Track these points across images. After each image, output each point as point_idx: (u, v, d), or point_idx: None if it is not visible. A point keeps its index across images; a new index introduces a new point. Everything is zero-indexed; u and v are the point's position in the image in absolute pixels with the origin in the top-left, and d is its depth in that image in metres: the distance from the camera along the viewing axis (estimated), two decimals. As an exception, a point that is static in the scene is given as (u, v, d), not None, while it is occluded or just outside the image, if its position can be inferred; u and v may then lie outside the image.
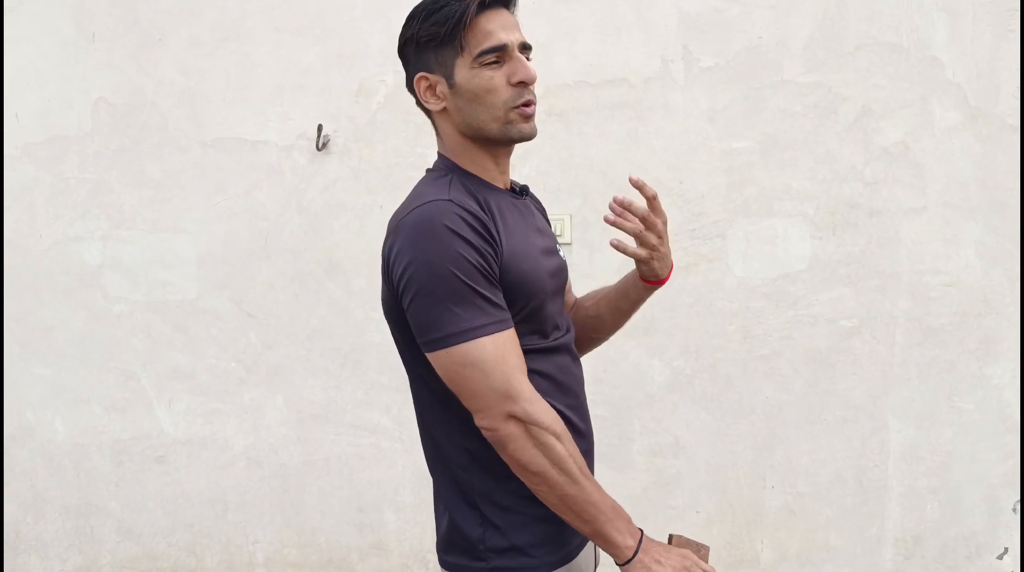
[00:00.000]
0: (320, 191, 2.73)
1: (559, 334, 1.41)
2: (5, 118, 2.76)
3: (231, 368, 2.79)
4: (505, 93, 1.30)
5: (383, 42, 2.69)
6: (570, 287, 1.68)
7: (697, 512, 2.79)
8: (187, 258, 2.77)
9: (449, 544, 1.37)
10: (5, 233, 2.79)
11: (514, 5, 1.33)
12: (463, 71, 1.29)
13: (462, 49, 1.28)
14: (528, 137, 1.36)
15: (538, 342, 1.34)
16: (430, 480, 1.48)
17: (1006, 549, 2.75)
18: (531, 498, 1.31)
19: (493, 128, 1.32)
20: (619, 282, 1.64)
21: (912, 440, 2.73)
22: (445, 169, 1.36)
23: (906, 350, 2.70)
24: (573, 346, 1.47)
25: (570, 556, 1.38)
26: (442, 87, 1.32)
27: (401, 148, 2.71)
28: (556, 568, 1.35)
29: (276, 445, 2.82)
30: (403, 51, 1.36)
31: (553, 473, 1.23)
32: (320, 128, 2.70)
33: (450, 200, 1.24)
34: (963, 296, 2.67)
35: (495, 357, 1.21)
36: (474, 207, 1.25)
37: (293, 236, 2.75)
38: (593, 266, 2.71)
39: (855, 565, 2.78)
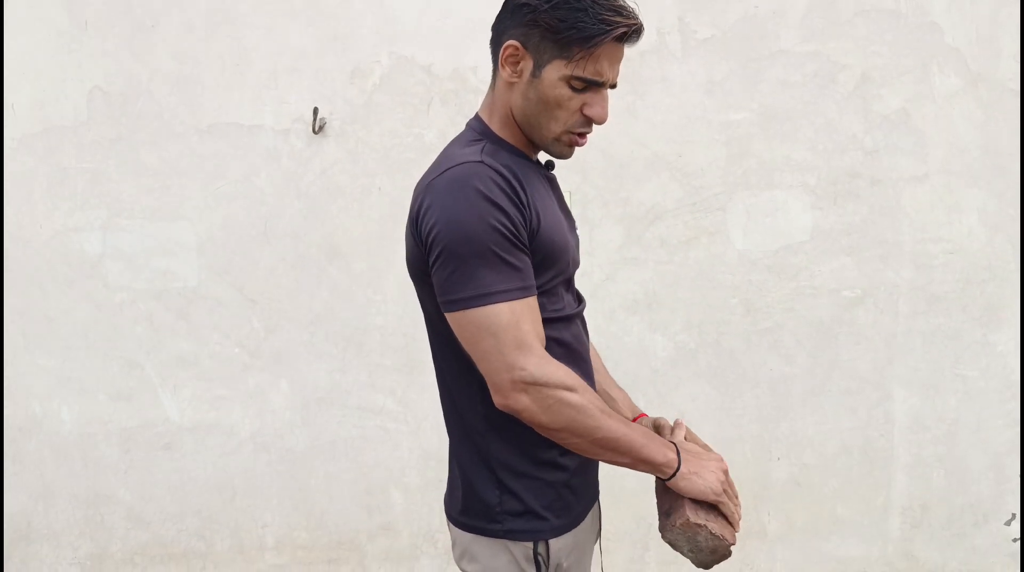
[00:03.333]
0: (318, 175, 2.72)
1: (577, 305, 1.44)
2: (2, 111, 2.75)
3: (234, 354, 2.80)
4: (572, 117, 1.32)
5: (377, 23, 2.67)
6: None
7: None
8: (187, 245, 2.76)
9: (465, 505, 1.40)
10: (5, 226, 2.79)
11: (637, 41, 1.31)
12: (552, 74, 1.28)
13: (568, 59, 1.26)
14: (563, 158, 1.40)
15: (560, 311, 1.37)
16: (436, 461, 1.49)
17: (1013, 515, 2.75)
18: (546, 464, 1.36)
19: (541, 135, 1.34)
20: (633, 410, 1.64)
21: (917, 409, 2.73)
22: (479, 134, 1.37)
23: (910, 319, 2.69)
24: (584, 316, 1.49)
25: (578, 520, 1.43)
26: (525, 68, 1.30)
27: (398, 129, 2.70)
28: (566, 531, 1.39)
29: (282, 430, 2.82)
30: (518, 6, 1.30)
31: (577, 425, 1.25)
32: (316, 111, 2.68)
33: (482, 162, 1.25)
34: (966, 263, 2.66)
35: (510, 322, 1.22)
36: (507, 172, 1.26)
37: (292, 221, 2.74)
38: (593, 243, 2.70)
39: (862, 535, 2.78)
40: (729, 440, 2.76)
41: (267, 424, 2.83)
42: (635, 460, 1.30)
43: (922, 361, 2.70)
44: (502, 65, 1.31)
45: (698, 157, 2.67)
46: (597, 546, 1.57)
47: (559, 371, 1.25)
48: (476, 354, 1.25)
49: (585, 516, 1.45)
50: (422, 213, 1.26)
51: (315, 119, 2.69)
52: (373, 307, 2.76)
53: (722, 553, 1.31)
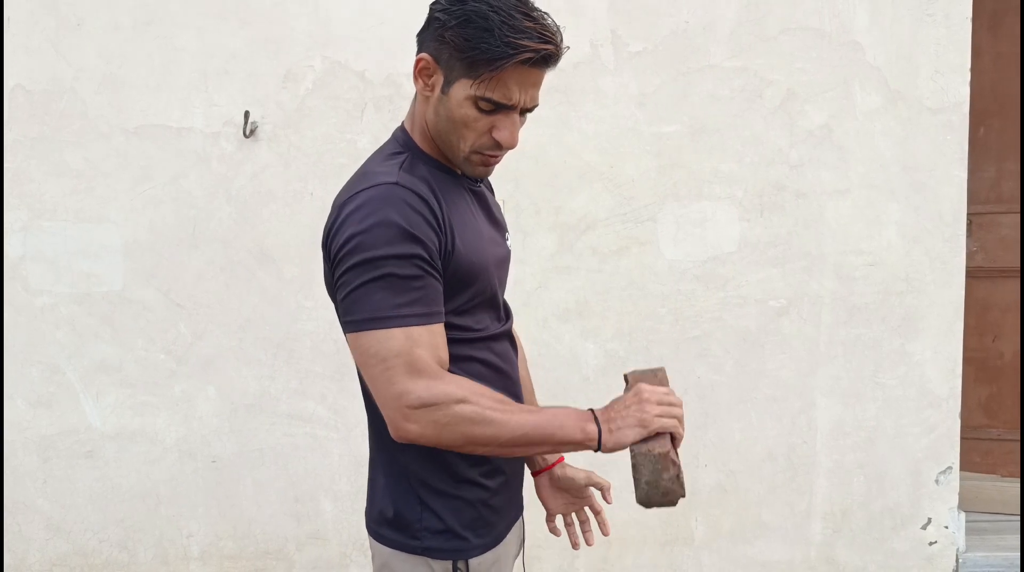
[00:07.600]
0: (249, 179, 2.69)
1: (500, 323, 1.41)
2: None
3: (160, 360, 2.74)
4: (479, 138, 1.26)
5: (311, 26, 2.65)
6: None
7: (633, 492, 2.82)
8: (112, 248, 2.70)
9: (385, 519, 1.37)
10: (-81, 225, 2.70)
11: (554, 65, 1.25)
12: (460, 92, 1.23)
13: (474, 79, 1.21)
14: (479, 178, 1.36)
15: (481, 332, 1.34)
16: (366, 468, 1.47)
17: (929, 519, 2.84)
18: (465, 482, 1.33)
19: (452, 152, 1.30)
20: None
21: (839, 417, 2.80)
22: (401, 145, 1.33)
23: (832, 329, 2.77)
24: (512, 331, 1.47)
25: (499, 538, 1.41)
26: (437, 83, 1.25)
27: (331, 134, 2.68)
28: (487, 550, 1.37)
29: (209, 437, 2.77)
30: (431, 19, 1.26)
31: (477, 436, 1.21)
32: (247, 115, 2.65)
33: (397, 183, 1.21)
34: (885, 275, 2.74)
35: (402, 348, 1.18)
36: (424, 192, 1.22)
37: (222, 225, 2.70)
38: (526, 251, 2.71)
39: (786, 540, 2.84)
40: (658, 447, 2.79)
41: (193, 431, 2.77)
42: (555, 445, 1.27)
43: (843, 370, 2.77)
44: (415, 78, 1.28)
45: (629, 168, 2.71)
46: (519, 560, 1.57)
47: (448, 386, 1.20)
48: (368, 382, 1.23)
49: (507, 533, 1.44)
50: (332, 234, 1.23)
51: (246, 122, 2.66)
52: (304, 313, 2.73)
53: (671, 500, 1.27)
